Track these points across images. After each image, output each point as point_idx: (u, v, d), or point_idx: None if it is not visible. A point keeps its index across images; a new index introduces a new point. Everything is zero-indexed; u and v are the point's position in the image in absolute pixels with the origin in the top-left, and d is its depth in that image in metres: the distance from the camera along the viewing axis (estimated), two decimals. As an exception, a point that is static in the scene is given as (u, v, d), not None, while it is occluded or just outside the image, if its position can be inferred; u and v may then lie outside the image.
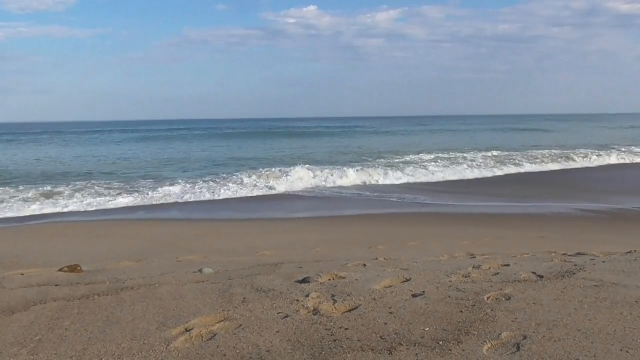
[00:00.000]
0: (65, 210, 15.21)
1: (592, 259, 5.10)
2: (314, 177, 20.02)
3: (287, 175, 20.01)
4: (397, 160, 27.72)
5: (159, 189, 18.08)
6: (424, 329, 3.09)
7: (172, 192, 17.61)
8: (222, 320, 3.40)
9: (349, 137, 54.70)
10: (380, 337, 3.00)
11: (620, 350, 2.72)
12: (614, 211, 13.66)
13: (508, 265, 4.85)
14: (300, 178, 19.69)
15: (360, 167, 22.59)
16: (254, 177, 20.49)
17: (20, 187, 18.52)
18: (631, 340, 2.84)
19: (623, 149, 32.73)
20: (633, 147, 34.12)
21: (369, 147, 39.04)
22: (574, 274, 4.24)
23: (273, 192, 18.17)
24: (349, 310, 3.48)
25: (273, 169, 22.06)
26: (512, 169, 24.50)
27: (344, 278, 4.39)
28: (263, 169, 22.69)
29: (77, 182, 20.21)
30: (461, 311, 3.37)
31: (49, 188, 18.34)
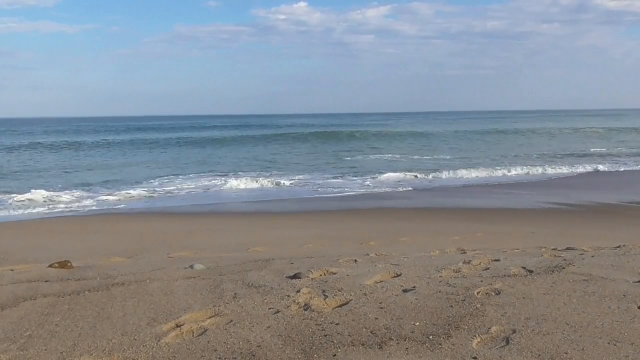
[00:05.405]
0: (57, 205, 15.12)
1: (581, 254, 5.15)
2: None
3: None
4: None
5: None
6: (414, 324, 3.10)
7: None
8: (213, 316, 3.40)
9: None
10: (371, 332, 3.02)
11: (608, 343, 2.75)
12: (604, 207, 13.76)
13: (498, 260, 4.87)
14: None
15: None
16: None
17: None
18: (619, 333, 2.87)
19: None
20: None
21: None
22: (563, 268, 4.27)
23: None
24: (340, 306, 3.49)
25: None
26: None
27: (335, 274, 4.40)
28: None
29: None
30: (451, 306, 3.39)
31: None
